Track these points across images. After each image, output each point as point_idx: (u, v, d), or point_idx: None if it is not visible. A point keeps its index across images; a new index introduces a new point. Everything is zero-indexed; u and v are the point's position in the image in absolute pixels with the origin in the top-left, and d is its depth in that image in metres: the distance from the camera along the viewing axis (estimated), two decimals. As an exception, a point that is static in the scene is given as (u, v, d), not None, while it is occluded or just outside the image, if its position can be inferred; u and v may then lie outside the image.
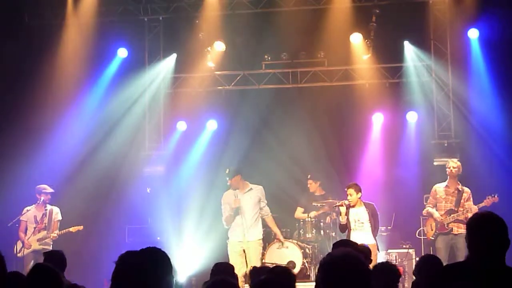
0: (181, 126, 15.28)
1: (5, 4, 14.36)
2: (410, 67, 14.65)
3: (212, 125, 15.42)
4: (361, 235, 11.45)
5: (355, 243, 6.43)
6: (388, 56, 14.81)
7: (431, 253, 12.28)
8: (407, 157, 14.38)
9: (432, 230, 12.36)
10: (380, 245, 12.44)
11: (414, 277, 6.89)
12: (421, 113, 14.60)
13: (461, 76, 14.19)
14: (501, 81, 13.77)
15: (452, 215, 12.07)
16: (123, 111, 14.97)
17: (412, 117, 14.63)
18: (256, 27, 14.79)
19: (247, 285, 11.14)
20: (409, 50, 14.64)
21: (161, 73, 15.31)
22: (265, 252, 13.02)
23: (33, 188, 13.18)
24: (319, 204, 13.73)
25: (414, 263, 12.65)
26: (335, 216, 13.54)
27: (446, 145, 14.17)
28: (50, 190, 13.12)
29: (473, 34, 14.18)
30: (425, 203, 12.65)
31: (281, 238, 12.98)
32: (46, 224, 13.07)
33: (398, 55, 14.71)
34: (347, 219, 11.75)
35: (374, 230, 11.70)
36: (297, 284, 12.50)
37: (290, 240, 13.44)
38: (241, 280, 11.28)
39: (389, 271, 6.25)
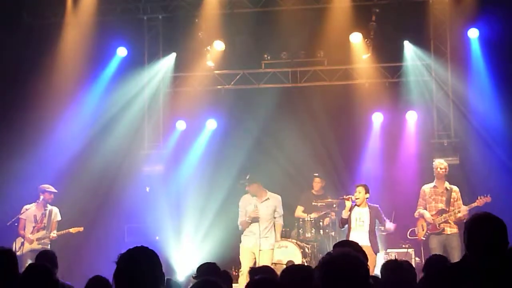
0: (181, 125, 15.27)
1: (5, 3, 14.34)
2: (409, 67, 14.65)
3: (211, 124, 15.42)
4: (359, 235, 11.47)
5: (355, 243, 6.39)
6: (388, 56, 14.81)
7: (425, 253, 12.34)
8: (406, 156, 14.39)
9: (423, 230, 12.43)
10: (380, 245, 12.44)
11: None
12: (421, 113, 14.61)
13: (461, 76, 14.19)
14: (500, 80, 13.77)
15: (443, 215, 12.13)
16: (123, 110, 14.96)
17: (411, 117, 14.62)
18: (256, 26, 14.79)
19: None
20: (409, 49, 14.63)
21: (160, 72, 15.30)
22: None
23: (32, 186, 13.17)
24: (318, 204, 13.74)
25: (413, 263, 12.70)
26: (334, 216, 13.56)
27: (445, 144, 14.18)
28: (53, 190, 13.11)
29: (473, 33, 14.18)
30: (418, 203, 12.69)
31: (278, 240, 12.87)
32: (46, 224, 13.06)
33: (397, 55, 14.71)
34: (349, 215, 11.77)
35: (370, 234, 11.72)
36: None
37: (289, 239, 13.44)
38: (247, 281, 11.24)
39: (409, 268, 6.27)
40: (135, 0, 15.08)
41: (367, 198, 11.86)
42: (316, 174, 14.22)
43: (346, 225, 11.96)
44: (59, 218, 13.21)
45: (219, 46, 14.89)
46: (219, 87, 15.38)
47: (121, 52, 15.23)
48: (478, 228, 4.43)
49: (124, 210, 14.42)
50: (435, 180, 12.48)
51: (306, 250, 13.47)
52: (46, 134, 14.22)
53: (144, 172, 14.88)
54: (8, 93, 14.55)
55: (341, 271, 3.56)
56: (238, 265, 12.58)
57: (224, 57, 15.10)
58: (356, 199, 11.79)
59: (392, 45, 14.68)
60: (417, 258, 13.09)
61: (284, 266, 12.54)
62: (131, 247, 3.96)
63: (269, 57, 15.25)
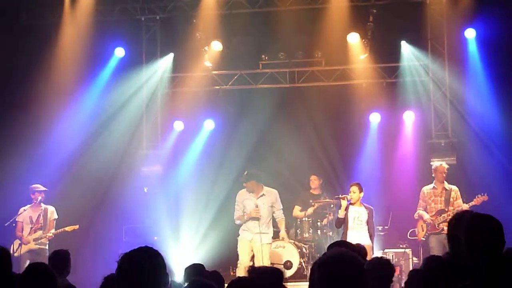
0: (179, 125, 15.28)
1: (3, 3, 14.35)
2: (407, 67, 14.65)
3: (209, 125, 15.42)
4: (357, 234, 11.48)
5: (351, 244, 6.42)
6: (385, 56, 14.82)
7: (425, 252, 12.36)
8: (404, 156, 14.40)
9: (423, 231, 12.48)
10: (377, 245, 12.46)
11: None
12: (418, 113, 14.61)
13: (458, 76, 14.20)
14: (498, 80, 13.78)
15: (442, 215, 12.17)
16: (120, 111, 14.96)
17: (409, 117, 14.63)
18: (253, 27, 14.79)
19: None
20: (406, 49, 14.64)
21: (158, 72, 15.30)
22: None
23: (29, 188, 13.18)
24: (316, 205, 13.75)
25: (411, 263, 12.74)
26: (332, 216, 13.56)
27: (443, 144, 14.17)
28: (42, 188, 13.11)
29: (470, 33, 14.19)
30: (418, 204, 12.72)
31: (286, 239, 12.97)
32: (42, 224, 13.06)
33: (395, 55, 14.71)
34: (346, 215, 11.79)
35: (371, 233, 11.75)
36: (294, 283, 12.63)
37: (287, 239, 13.44)
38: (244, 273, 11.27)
39: (383, 266, 6.26)
40: (133, 1, 15.07)
41: (361, 197, 11.87)
42: (313, 172, 14.25)
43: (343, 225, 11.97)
44: (55, 216, 13.21)
45: (216, 46, 14.90)
46: (216, 87, 15.38)
47: (119, 52, 15.22)
48: (477, 229, 4.44)
49: (122, 210, 14.41)
50: (434, 181, 12.52)
51: (304, 250, 13.48)
52: (44, 134, 14.22)
53: (142, 172, 14.88)
54: (6, 93, 14.56)
55: (338, 271, 3.57)
56: (236, 264, 12.60)
57: (222, 58, 15.11)
58: (351, 198, 11.82)
59: (389, 46, 14.69)
60: (415, 258, 13.11)
61: (282, 266, 12.68)
62: (135, 247, 3.96)
63: (266, 58, 15.24)
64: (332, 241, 13.04)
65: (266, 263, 11.96)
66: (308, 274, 12.89)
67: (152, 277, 3.86)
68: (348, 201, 11.87)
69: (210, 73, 15.29)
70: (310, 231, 13.65)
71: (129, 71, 15.06)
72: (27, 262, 12.53)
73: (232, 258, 13.03)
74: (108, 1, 14.93)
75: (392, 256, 13.16)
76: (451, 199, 12.25)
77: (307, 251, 13.51)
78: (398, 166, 14.37)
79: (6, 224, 12.82)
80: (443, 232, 12.10)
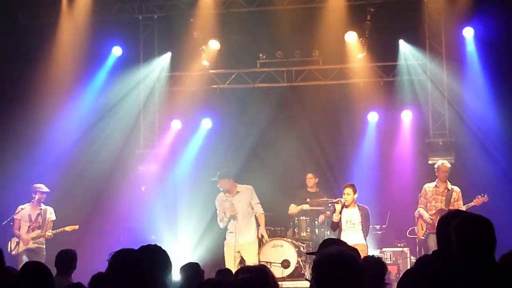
0: (176, 124, 15.27)
1: (0, 3, 14.33)
2: (405, 66, 14.64)
3: (206, 124, 15.41)
4: (351, 235, 11.46)
5: (344, 242, 6.41)
6: (383, 55, 14.81)
7: (423, 251, 12.36)
8: (402, 155, 14.40)
9: (422, 229, 12.47)
10: (375, 244, 12.48)
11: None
12: (416, 112, 14.61)
13: (456, 75, 14.19)
14: (496, 79, 13.77)
15: (442, 215, 12.12)
16: (118, 110, 14.95)
17: (407, 116, 14.64)
18: (251, 26, 14.79)
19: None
20: (404, 48, 14.63)
21: (155, 71, 15.29)
22: (260, 251, 13.03)
23: (27, 186, 13.20)
24: (314, 207, 13.77)
25: (408, 262, 12.74)
26: (329, 214, 13.56)
27: (441, 143, 14.17)
28: (45, 189, 13.12)
29: (468, 32, 14.19)
30: (419, 201, 12.70)
31: (266, 238, 13.00)
32: (40, 223, 13.05)
33: (393, 54, 14.71)
34: (339, 218, 11.78)
35: (365, 233, 11.74)
36: (292, 282, 12.63)
37: (285, 238, 13.45)
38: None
39: (375, 264, 6.25)
40: (131, 0, 15.06)
41: (355, 198, 11.85)
42: (310, 171, 14.25)
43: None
44: (53, 217, 13.22)
45: (214, 45, 14.90)
46: (214, 86, 15.37)
47: (117, 51, 15.22)
48: (468, 230, 4.44)
49: (120, 209, 14.41)
50: (437, 180, 12.49)
51: (301, 249, 13.47)
52: (41, 133, 14.22)
53: (140, 171, 14.88)
54: (3, 92, 14.54)
55: (336, 270, 3.56)
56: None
57: (219, 57, 15.11)
58: (345, 200, 11.78)
59: (387, 44, 14.68)
60: (412, 257, 13.11)
61: (279, 265, 12.68)
62: (134, 246, 3.95)
63: (264, 57, 15.24)
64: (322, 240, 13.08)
65: (252, 262, 12.01)
66: (306, 273, 12.98)
67: (160, 275, 3.86)
68: (342, 204, 11.83)
69: (208, 72, 15.28)
70: (307, 230, 13.65)
71: (126, 70, 15.05)
72: (24, 261, 12.54)
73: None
74: (106, 0, 14.91)
75: (390, 255, 13.17)
76: (452, 200, 12.23)
77: (305, 250, 13.50)
78: (395, 165, 14.37)
79: (3, 223, 12.82)
80: (442, 231, 12.10)
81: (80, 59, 14.75)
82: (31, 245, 12.93)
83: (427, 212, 12.38)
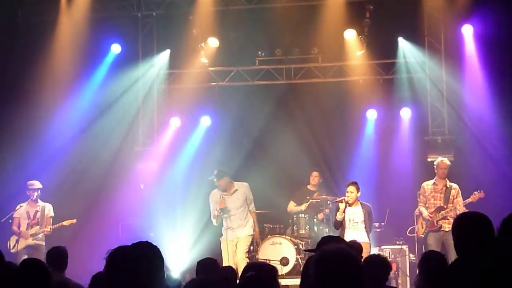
0: (175, 122, 15.26)
1: (-1, 0, 14.37)
2: (404, 63, 14.65)
3: (205, 121, 15.40)
4: (354, 234, 11.43)
5: (342, 239, 6.42)
6: (382, 52, 14.81)
7: (423, 249, 12.37)
8: (400, 153, 14.39)
9: (422, 228, 12.48)
10: (374, 241, 12.46)
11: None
12: (415, 109, 14.61)
13: (455, 72, 14.19)
14: (495, 77, 13.77)
15: (441, 212, 12.15)
16: (117, 107, 14.94)
17: (406, 113, 14.63)
18: (250, 23, 14.78)
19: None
20: (403, 46, 14.63)
21: (154, 69, 15.28)
22: (258, 248, 13.06)
23: (25, 183, 13.19)
24: (313, 201, 13.77)
25: (407, 260, 12.75)
26: (328, 211, 13.57)
27: (439, 141, 14.17)
28: (37, 185, 13.11)
29: (467, 30, 14.18)
30: (418, 199, 12.71)
31: (258, 237, 13.10)
32: (39, 220, 13.06)
33: (392, 51, 14.70)
34: (343, 217, 11.74)
35: (367, 232, 11.72)
36: (290, 280, 12.64)
37: (284, 236, 13.46)
38: None
39: (380, 263, 6.26)
40: (130, -3, 15.07)
41: (358, 196, 11.84)
42: (316, 169, 14.25)
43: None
44: (52, 214, 13.23)
45: (213, 43, 14.90)
46: (213, 84, 15.37)
47: (115, 49, 15.20)
48: (467, 228, 4.44)
49: (119, 207, 14.39)
50: (435, 177, 12.49)
51: (300, 246, 13.48)
52: (40, 131, 14.21)
53: (138, 169, 14.87)
54: (2, 90, 14.53)
55: (335, 267, 3.56)
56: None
57: (218, 54, 15.10)
58: (349, 199, 11.74)
59: (386, 42, 14.68)
60: (411, 255, 13.11)
61: (278, 263, 12.69)
62: (135, 242, 3.94)
63: (263, 54, 15.24)
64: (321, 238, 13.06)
65: (239, 254, 12.39)
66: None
67: (149, 272, 3.84)
68: (346, 202, 11.78)
69: (207, 69, 15.28)
70: (306, 228, 13.65)
71: (125, 67, 15.04)
72: (24, 258, 12.55)
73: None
74: (104, -3, 14.94)
75: (389, 252, 13.16)
76: (450, 197, 12.23)
77: (304, 247, 13.50)
78: (394, 163, 14.36)
79: (2, 220, 12.83)
80: (441, 229, 12.12)
81: (79, 56, 14.74)
82: (31, 241, 12.95)
83: (427, 210, 12.38)
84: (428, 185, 12.49)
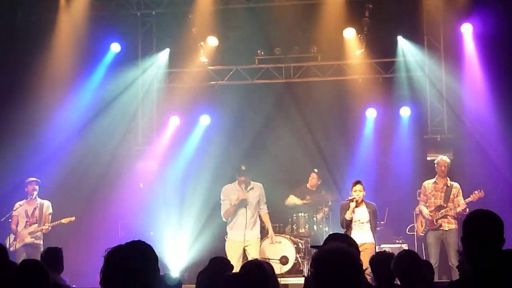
0: (174, 121, 15.26)
1: (-2, -1, 14.37)
2: (403, 62, 14.65)
3: (205, 120, 15.39)
4: (360, 234, 11.34)
5: (347, 236, 6.40)
6: (381, 51, 14.82)
7: (422, 248, 12.37)
8: (400, 152, 14.39)
9: (422, 226, 12.48)
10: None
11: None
12: (414, 108, 14.62)
13: (455, 71, 14.20)
14: (494, 75, 13.77)
15: (441, 211, 12.14)
16: (116, 106, 14.94)
17: (405, 112, 14.64)
18: (249, 22, 14.78)
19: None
20: (403, 45, 14.64)
21: (154, 68, 15.28)
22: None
23: (24, 181, 13.20)
24: (312, 201, 13.79)
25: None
26: (328, 211, 13.57)
27: (439, 140, 14.19)
28: (32, 178, 13.08)
29: (466, 29, 14.19)
30: (418, 198, 12.72)
31: (273, 236, 12.95)
32: (37, 218, 13.05)
33: (391, 50, 14.71)
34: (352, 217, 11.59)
35: (373, 231, 11.62)
36: (290, 278, 12.64)
37: (283, 235, 13.46)
38: None
39: (384, 260, 6.29)
40: (129, -4, 15.07)
41: (364, 195, 11.76)
42: (316, 170, 14.23)
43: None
44: (51, 211, 13.21)
45: (212, 41, 14.89)
46: (212, 82, 15.37)
47: (115, 47, 15.19)
48: (475, 226, 4.40)
49: (118, 206, 14.39)
50: (436, 176, 12.48)
51: (300, 245, 13.49)
52: (38, 129, 14.21)
53: (138, 167, 14.86)
54: (1, 89, 14.53)
55: (334, 266, 3.56)
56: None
57: (218, 53, 15.09)
58: (358, 197, 11.58)
59: (385, 41, 14.69)
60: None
61: (278, 262, 12.69)
62: (125, 242, 3.94)
63: (262, 53, 15.24)
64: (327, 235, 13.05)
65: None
66: (305, 270, 12.98)
67: (142, 271, 3.84)
68: (356, 202, 11.60)
69: (206, 68, 15.28)
70: (306, 227, 13.66)
71: (125, 66, 15.04)
72: (23, 256, 12.57)
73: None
74: (104, -4, 14.93)
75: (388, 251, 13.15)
76: (451, 196, 12.21)
77: (303, 246, 13.52)
78: (394, 162, 14.36)
79: (2, 219, 12.83)
80: (441, 228, 12.11)
81: (78, 55, 14.74)
82: (29, 240, 12.94)
83: (427, 209, 12.38)
84: (428, 183, 12.48)
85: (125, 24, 15.20)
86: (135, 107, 15.21)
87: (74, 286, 8.06)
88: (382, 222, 13.44)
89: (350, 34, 14.50)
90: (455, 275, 10.47)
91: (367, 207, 11.59)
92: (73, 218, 13.18)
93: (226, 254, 12.01)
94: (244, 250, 12.30)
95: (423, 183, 12.56)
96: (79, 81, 14.88)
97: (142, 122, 15.32)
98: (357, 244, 5.67)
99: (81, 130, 14.71)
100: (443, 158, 12.56)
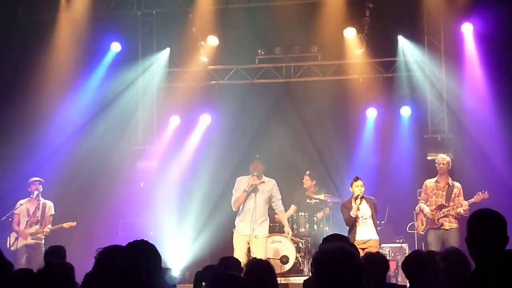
0: (175, 120, 15.26)
1: (-1, -1, 14.37)
2: (403, 62, 14.65)
3: (205, 120, 15.40)
4: (364, 230, 11.38)
5: (346, 237, 6.40)
6: (382, 51, 14.82)
7: (423, 247, 12.34)
8: (400, 151, 14.39)
9: (422, 225, 12.43)
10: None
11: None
12: (415, 108, 14.63)
13: (455, 71, 14.19)
14: (494, 75, 13.77)
15: (442, 210, 12.11)
16: (116, 106, 14.94)
17: (405, 112, 14.65)
18: (250, 22, 14.75)
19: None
20: (403, 44, 14.64)
21: (154, 67, 15.28)
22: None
23: (26, 181, 13.19)
24: (313, 201, 13.78)
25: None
26: (328, 211, 13.57)
27: (439, 139, 14.19)
28: (35, 178, 13.07)
29: (467, 28, 14.19)
30: (418, 198, 12.69)
31: (289, 232, 12.54)
32: (39, 218, 13.04)
33: (391, 50, 14.71)
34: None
35: (376, 226, 11.63)
36: (290, 278, 12.62)
37: (283, 234, 13.44)
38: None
39: (377, 261, 6.26)
40: (129, -5, 15.06)
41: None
42: (307, 172, 14.20)
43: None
44: (53, 212, 13.20)
45: (213, 41, 14.90)
46: (213, 82, 15.37)
47: (115, 47, 15.20)
48: (478, 225, 4.38)
49: (119, 205, 14.40)
50: (437, 175, 12.46)
51: (300, 245, 13.49)
52: (40, 129, 14.21)
53: (138, 167, 14.87)
54: (2, 88, 14.53)
55: (334, 266, 3.56)
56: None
57: (218, 52, 15.10)
58: (361, 192, 11.58)
59: (386, 40, 14.69)
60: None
61: (278, 261, 12.70)
62: (130, 241, 3.95)
63: (263, 52, 15.25)
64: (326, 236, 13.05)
65: (260, 257, 11.49)
66: (305, 269, 12.99)
67: (147, 270, 3.84)
68: (360, 198, 11.58)
69: (207, 68, 15.29)
70: (306, 226, 13.67)
71: (125, 66, 15.04)
72: (24, 256, 12.59)
73: (228, 253, 13.00)
74: (104, -5, 14.92)
75: (389, 251, 13.16)
76: (452, 195, 12.18)
77: (304, 246, 13.52)
78: (394, 161, 14.37)
79: (2, 219, 12.82)
80: (442, 227, 12.09)
81: (78, 54, 14.74)
82: (30, 240, 12.91)
83: (428, 207, 12.35)
84: (430, 182, 12.44)
85: (126, 23, 15.19)
86: (135, 106, 15.21)
87: None
88: (382, 222, 13.43)
89: (350, 33, 14.50)
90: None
91: (367, 202, 11.61)
92: (74, 223, 13.15)
93: (232, 247, 11.96)
94: (249, 244, 11.97)
95: (425, 182, 12.52)
96: (80, 81, 14.89)
97: (143, 122, 15.32)
98: (355, 245, 5.67)
99: (82, 129, 14.72)
100: (441, 156, 12.54)
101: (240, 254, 11.41)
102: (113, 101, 14.93)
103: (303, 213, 13.70)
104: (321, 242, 12.03)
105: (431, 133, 14.33)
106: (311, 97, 15.08)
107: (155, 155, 14.94)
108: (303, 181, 14.18)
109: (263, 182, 12.13)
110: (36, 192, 13.02)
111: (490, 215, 4.41)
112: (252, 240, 11.92)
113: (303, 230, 13.65)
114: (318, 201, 13.78)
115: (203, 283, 5.37)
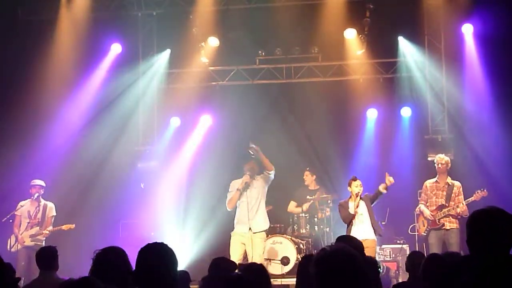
0: (175, 121, 15.26)
1: (-1, 0, 14.37)
2: (404, 62, 14.66)
3: (206, 121, 15.39)
4: (361, 228, 11.41)
5: (355, 238, 6.39)
6: (382, 51, 14.83)
7: (424, 248, 12.34)
8: (401, 152, 14.39)
9: (424, 226, 12.42)
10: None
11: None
12: (415, 108, 14.63)
13: (455, 71, 14.20)
14: (494, 75, 13.78)
15: (443, 210, 12.11)
16: (117, 106, 14.94)
17: (406, 112, 14.65)
18: (250, 23, 14.76)
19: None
20: (403, 45, 14.64)
21: (154, 68, 15.28)
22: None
23: (27, 182, 13.20)
24: (313, 197, 13.79)
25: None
26: (329, 211, 13.57)
27: (440, 140, 14.19)
28: (41, 183, 13.07)
29: (467, 29, 14.19)
30: (418, 198, 12.69)
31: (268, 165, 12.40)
32: (40, 220, 13.04)
33: (392, 50, 14.72)
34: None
35: (372, 222, 11.62)
36: (291, 279, 12.63)
37: (284, 235, 13.45)
38: None
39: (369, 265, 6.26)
40: (129, -4, 15.07)
41: None
42: (307, 168, 14.27)
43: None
44: (54, 213, 13.19)
45: (213, 42, 14.89)
46: (213, 83, 15.37)
47: (116, 48, 15.19)
48: (481, 223, 4.35)
49: (119, 206, 14.39)
50: (437, 175, 12.46)
51: (301, 246, 13.49)
52: (40, 130, 14.22)
53: (139, 168, 14.87)
54: (2, 90, 14.53)
55: (336, 268, 3.56)
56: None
57: (219, 53, 15.09)
58: (360, 192, 11.66)
59: (386, 41, 14.70)
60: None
61: (279, 263, 12.70)
62: (133, 242, 4.03)
63: (263, 53, 15.25)
64: (329, 237, 13.11)
65: (257, 256, 11.70)
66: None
67: (168, 271, 3.91)
68: (359, 196, 11.64)
69: (207, 69, 15.29)
70: (307, 227, 13.66)
71: (125, 67, 15.04)
72: (24, 258, 12.56)
73: (228, 253, 13.01)
74: (105, -4, 14.93)
75: (389, 252, 13.17)
76: (452, 195, 12.18)
77: (304, 247, 13.52)
78: (395, 162, 14.35)
79: (3, 220, 12.82)
80: (443, 228, 12.08)
81: (79, 55, 14.74)
82: (29, 242, 12.88)
83: (428, 208, 12.34)
84: (430, 183, 12.44)
85: (126, 24, 15.19)
86: (135, 107, 15.20)
87: None
88: (383, 223, 13.45)
89: (351, 34, 14.51)
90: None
91: (364, 202, 11.69)
92: (73, 226, 13.15)
93: (229, 250, 11.99)
94: (244, 245, 11.98)
95: (425, 182, 12.53)
96: (80, 82, 14.89)
97: (143, 123, 15.31)
98: (362, 246, 5.68)
99: (82, 130, 14.72)
100: (440, 156, 12.55)
101: (235, 258, 11.45)
102: (113, 102, 14.93)
103: (303, 214, 13.70)
104: (321, 242, 12.12)
105: (432, 134, 14.34)
106: (311, 98, 15.08)
107: (156, 156, 14.94)
108: (304, 177, 14.19)
109: (255, 179, 12.22)
110: (36, 194, 13.01)
111: (488, 215, 4.39)
112: (251, 238, 11.95)
113: (303, 231, 13.65)
114: (318, 200, 13.75)
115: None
